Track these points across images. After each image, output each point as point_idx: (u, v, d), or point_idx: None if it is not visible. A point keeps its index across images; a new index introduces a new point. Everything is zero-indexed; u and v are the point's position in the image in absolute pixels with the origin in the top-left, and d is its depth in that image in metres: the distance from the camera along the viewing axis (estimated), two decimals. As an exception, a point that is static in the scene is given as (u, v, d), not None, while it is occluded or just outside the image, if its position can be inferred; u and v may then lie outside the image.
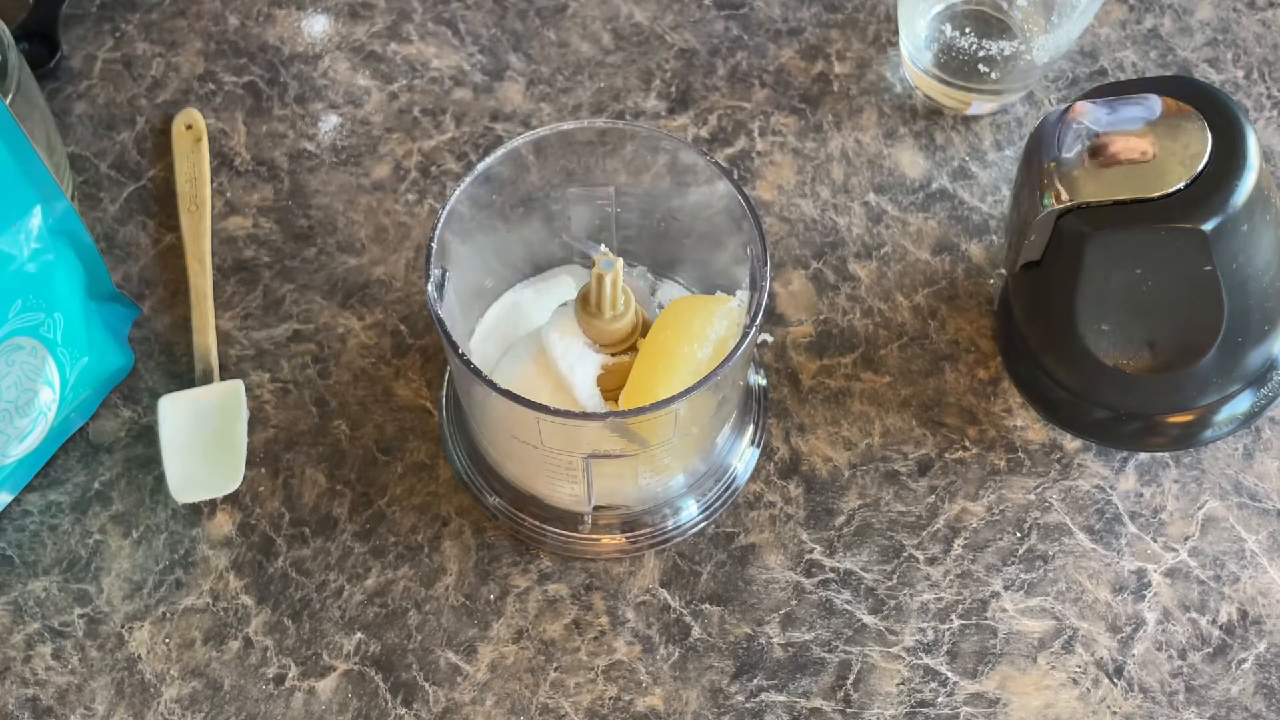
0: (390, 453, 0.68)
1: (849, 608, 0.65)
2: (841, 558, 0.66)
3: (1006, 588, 0.65)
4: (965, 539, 0.66)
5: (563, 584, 0.65)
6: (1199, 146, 0.59)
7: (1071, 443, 0.68)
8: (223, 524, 0.66)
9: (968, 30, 0.73)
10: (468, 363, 0.55)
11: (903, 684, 0.63)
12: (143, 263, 0.72)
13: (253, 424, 0.68)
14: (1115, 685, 0.63)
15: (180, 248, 0.72)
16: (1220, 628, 0.64)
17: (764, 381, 0.69)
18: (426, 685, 0.63)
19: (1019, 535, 0.66)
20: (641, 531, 0.65)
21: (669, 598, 0.65)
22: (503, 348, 0.66)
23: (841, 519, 0.66)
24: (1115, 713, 0.63)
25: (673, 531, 0.66)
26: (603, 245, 0.64)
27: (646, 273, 0.68)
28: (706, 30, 0.79)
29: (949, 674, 0.63)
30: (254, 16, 0.80)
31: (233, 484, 0.66)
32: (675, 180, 0.62)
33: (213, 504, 0.66)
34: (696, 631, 0.64)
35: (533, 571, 0.65)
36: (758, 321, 0.56)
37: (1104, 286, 0.60)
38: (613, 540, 0.65)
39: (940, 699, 0.63)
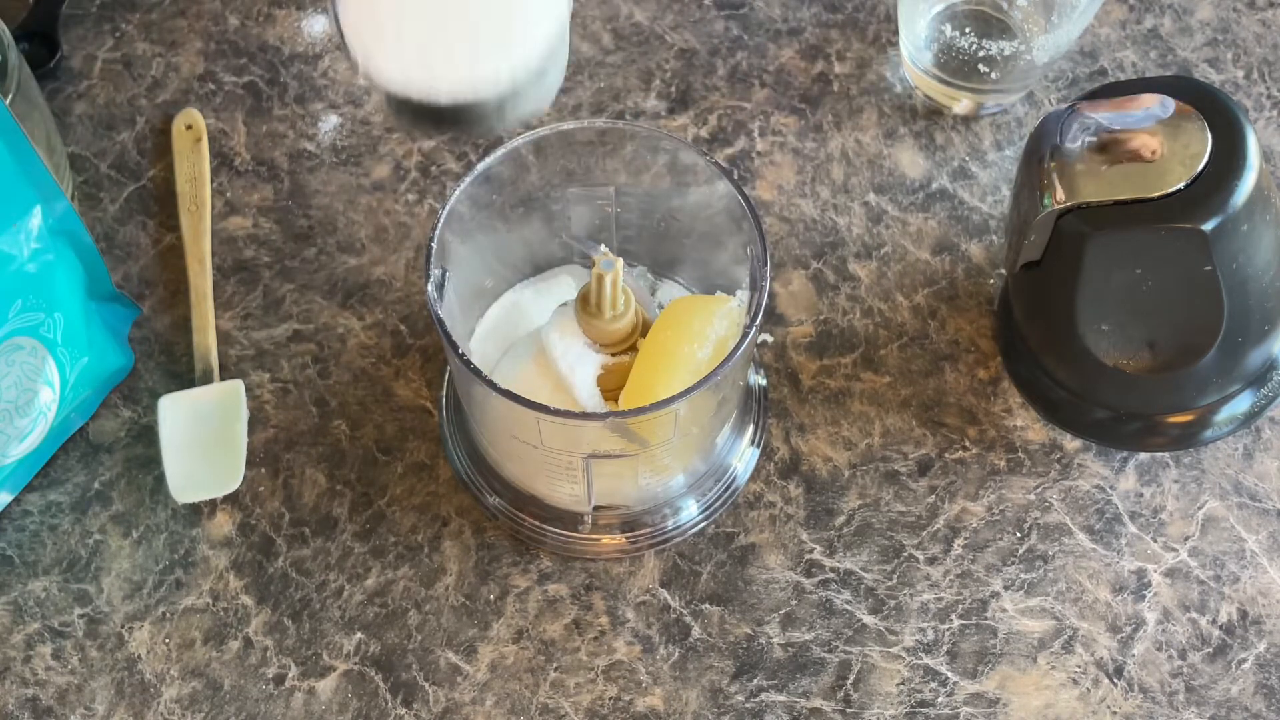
0: (390, 453, 0.68)
1: (849, 608, 0.65)
2: (841, 558, 0.66)
3: (1006, 588, 0.65)
4: (965, 539, 0.66)
5: (563, 584, 0.65)
6: (1199, 146, 0.59)
7: (1071, 443, 0.68)
8: (223, 524, 0.66)
9: (968, 30, 0.73)
10: (468, 363, 0.55)
11: (903, 684, 0.63)
12: (143, 263, 0.72)
13: (253, 424, 0.68)
14: (1115, 685, 0.63)
15: (180, 248, 0.72)
16: (1220, 628, 0.64)
17: (764, 381, 0.69)
18: (426, 685, 0.63)
19: (1019, 535, 0.66)
20: (641, 531, 0.65)
21: (669, 598, 0.65)
22: (503, 348, 0.66)
23: (841, 519, 0.66)
24: (1115, 713, 0.63)
25: (673, 531, 0.65)
26: (603, 245, 0.64)
27: (646, 273, 0.68)
28: (706, 30, 0.79)
29: (949, 674, 0.63)
30: (254, 16, 0.80)
31: (233, 484, 0.66)
32: (675, 180, 0.62)
33: (213, 504, 0.66)
34: (696, 631, 0.64)
35: (533, 571, 0.65)
36: (758, 321, 0.56)
37: (1104, 286, 0.60)
38: (613, 540, 0.65)
39: (940, 699, 0.63)
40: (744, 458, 0.67)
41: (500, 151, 0.59)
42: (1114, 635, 0.64)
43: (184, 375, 0.69)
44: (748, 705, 0.63)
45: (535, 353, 0.62)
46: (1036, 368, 0.66)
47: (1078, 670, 0.63)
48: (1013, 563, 0.66)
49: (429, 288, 0.57)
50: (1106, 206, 0.59)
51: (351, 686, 0.63)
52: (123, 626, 0.64)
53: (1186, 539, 0.66)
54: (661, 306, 0.65)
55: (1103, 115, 0.60)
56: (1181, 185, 0.58)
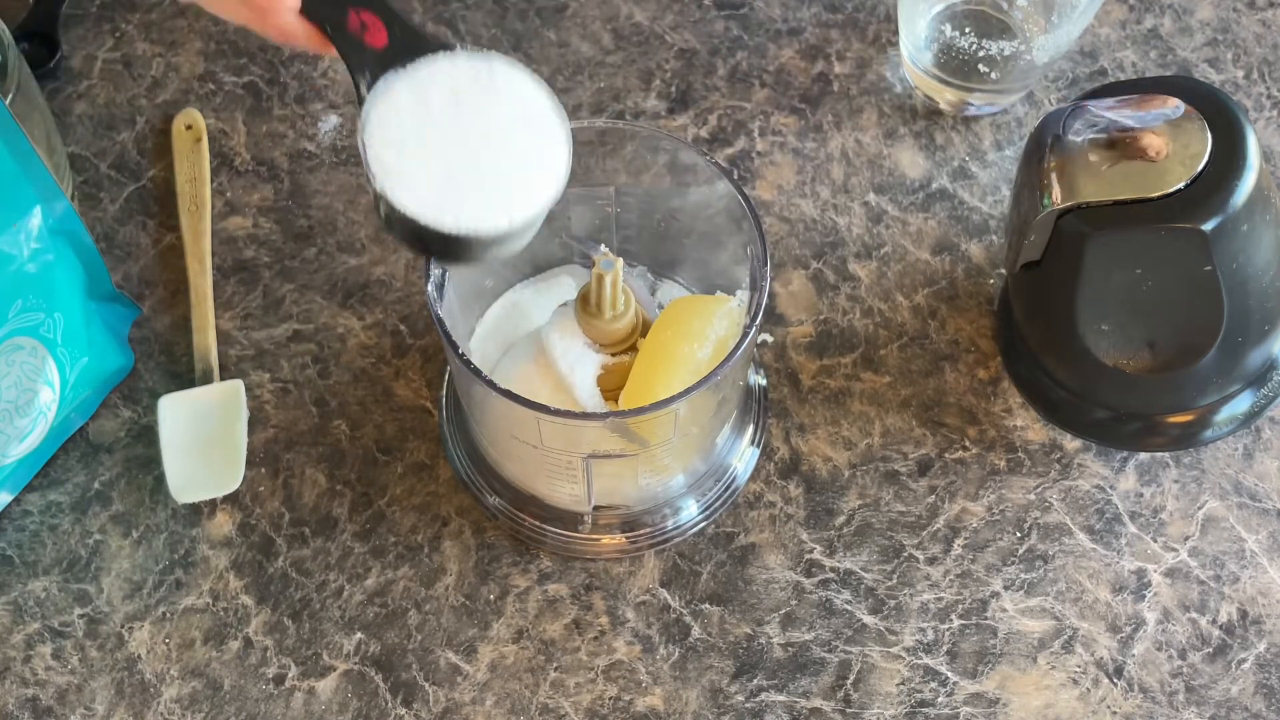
0: (390, 453, 0.68)
1: (849, 608, 0.64)
2: (841, 558, 0.66)
3: (1006, 588, 0.65)
4: (965, 539, 0.66)
5: (563, 584, 0.65)
6: (1199, 146, 0.59)
7: (1071, 443, 0.68)
8: (223, 524, 0.66)
9: (968, 30, 0.73)
10: (468, 363, 0.55)
11: (903, 684, 0.63)
12: (143, 263, 0.72)
13: (253, 424, 0.68)
14: (1115, 685, 0.63)
15: (180, 248, 0.72)
16: (1220, 628, 0.64)
17: (764, 381, 0.69)
18: (426, 685, 0.63)
19: (1019, 535, 0.66)
20: (641, 531, 0.65)
21: (669, 598, 0.65)
22: (503, 348, 0.66)
23: (841, 519, 0.66)
24: (1115, 713, 0.63)
25: (673, 531, 0.65)
26: (603, 245, 0.64)
27: (646, 273, 0.68)
28: (706, 30, 0.79)
29: (949, 674, 0.63)
30: (254, 16, 0.80)
31: (233, 484, 0.66)
32: (675, 180, 0.62)
33: (213, 504, 0.66)
34: (696, 631, 0.64)
35: (533, 571, 0.65)
36: (758, 321, 0.56)
37: (1104, 286, 0.60)
38: (613, 540, 0.65)
39: (940, 699, 0.63)
40: (744, 458, 0.67)
41: None
42: (1114, 635, 0.64)
43: (184, 375, 0.69)
44: (748, 705, 0.63)
45: (535, 353, 0.62)
46: (1036, 368, 0.66)
47: (1078, 670, 0.63)
48: (1013, 563, 0.66)
49: (429, 288, 0.57)
50: (1106, 206, 0.59)
51: (351, 686, 0.63)
52: (123, 626, 0.64)
53: (1186, 539, 0.66)
54: (661, 306, 0.65)
55: (1117, 112, 0.60)
56: (1181, 185, 0.58)
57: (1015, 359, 0.68)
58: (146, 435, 0.68)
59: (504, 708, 0.62)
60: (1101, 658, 0.64)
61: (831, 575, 0.65)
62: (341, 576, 0.65)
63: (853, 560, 0.65)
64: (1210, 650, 0.64)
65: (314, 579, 0.65)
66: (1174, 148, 0.59)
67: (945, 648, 0.64)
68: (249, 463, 0.67)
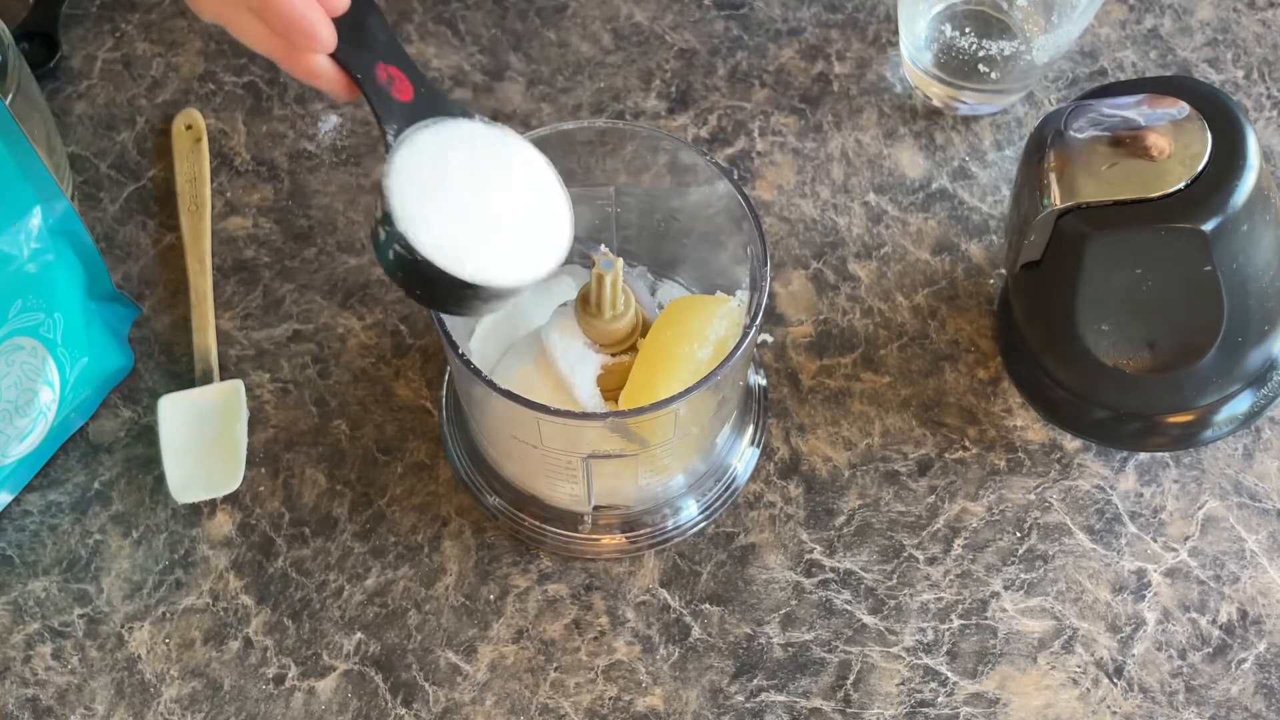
0: (390, 453, 0.68)
1: (849, 608, 0.64)
2: (841, 558, 0.66)
3: (1006, 588, 0.65)
4: (965, 539, 0.66)
5: (563, 584, 0.65)
6: (1199, 146, 0.59)
7: (1071, 443, 0.68)
8: (223, 524, 0.66)
9: (968, 30, 0.73)
10: (468, 363, 0.55)
11: (903, 684, 0.63)
12: (143, 263, 0.72)
13: (253, 424, 0.68)
14: (1115, 685, 0.63)
15: (180, 248, 0.72)
16: (1220, 628, 0.64)
17: (764, 381, 0.69)
18: (426, 685, 0.63)
19: (1019, 535, 0.66)
20: (641, 531, 0.65)
21: (669, 598, 0.65)
22: (503, 348, 0.66)
23: (841, 519, 0.66)
24: (1115, 713, 0.63)
25: (673, 531, 0.65)
26: (603, 245, 0.64)
27: (646, 273, 0.68)
28: (706, 30, 0.79)
29: (949, 674, 0.63)
30: (254, 16, 0.80)
31: (233, 484, 0.66)
32: (675, 180, 0.62)
33: (213, 504, 0.66)
34: (696, 631, 0.64)
35: (533, 571, 0.65)
36: (758, 321, 0.56)
37: (1104, 286, 0.60)
38: (613, 540, 0.65)
39: (940, 699, 0.63)
40: (744, 458, 0.67)
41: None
42: (1114, 635, 0.64)
43: (184, 375, 0.69)
44: (748, 705, 0.63)
45: (535, 353, 0.62)
46: (1036, 368, 0.66)
47: (1078, 670, 0.63)
48: (1013, 563, 0.66)
49: None
50: (1106, 206, 0.59)
51: (351, 686, 0.63)
52: (123, 626, 0.64)
53: (1186, 539, 0.66)
54: (661, 306, 0.65)
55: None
56: (1181, 185, 0.58)
57: (1015, 359, 0.68)
58: (146, 435, 0.68)
59: (504, 708, 0.62)
60: (1101, 658, 0.64)
61: (831, 575, 0.65)
62: (341, 576, 0.65)
63: (853, 560, 0.65)
64: (1210, 650, 0.64)
65: (314, 579, 0.65)
66: (1174, 148, 0.59)
67: (945, 648, 0.64)
68: (249, 463, 0.67)
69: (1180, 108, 0.60)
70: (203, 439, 0.66)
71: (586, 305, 0.61)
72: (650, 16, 0.80)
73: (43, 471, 0.67)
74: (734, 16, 0.80)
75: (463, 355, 0.55)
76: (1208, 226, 0.58)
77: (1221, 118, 0.60)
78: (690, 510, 0.66)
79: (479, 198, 0.53)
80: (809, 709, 0.62)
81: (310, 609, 0.64)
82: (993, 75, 0.73)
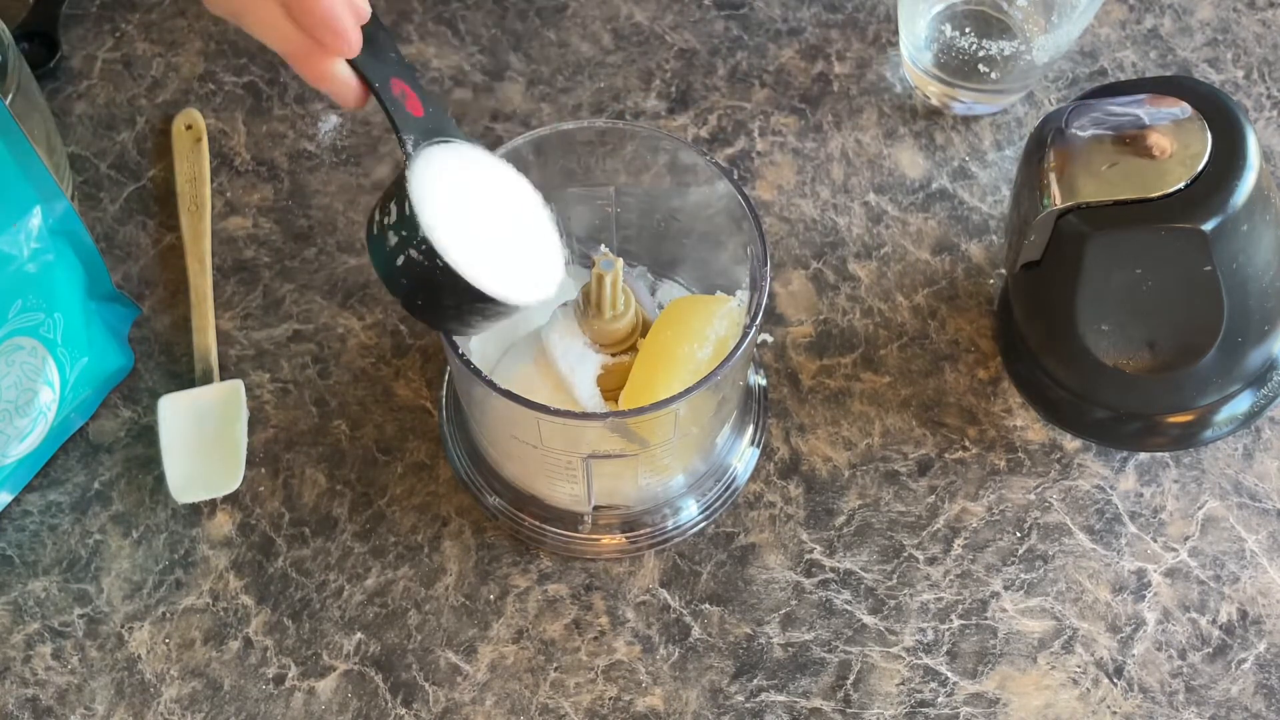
0: (390, 453, 0.68)
1: (849, 608, 0.64)
2: (841, 558, 0.66)
3: (1006, 588, 0.65)
4: (965, 539, 0.66)
5: (563, 584, 0.65)
6: (1199, 146, 0.59)
7: (1071, 443, 0.68)
8: (223, 524, 0.66)
9: (968, 30, 0.73)
10: (468, 363, 0.55)
11: (903, 684, 0.63)
12: (143, 263, 0.72)
13: (253, 424, 0.68)
14: (1115, 685, 0.63)
15: (180, 248, 0.72)
16: (1220, 628, 0.64)
17: (764, 381, 0.69)
18: (426, 685, 0.63)
19: (1019, 535, 0.66)
20: (641, 531, 0.65)
21: (669, 598, 0.65)
22: (503, 348, 0.66)
23: (841, 519, 0.66)
24: (1115, 713, 0.63)
25: (673, 531, 0.65)
26: (603, 245, 0.64)
27: (646, 273, 0.68)
28: (706, 30, 0.79)
29: (949, 674, 0.63)
30: (254, 16, 0.80)
31: (233, 484, 0.66)
32: (675, 180, 0.62)
33: (213, 504, 0.66)
34: (696, 631, 0.64)
35: (533, 571, 0.65)
36: (758, 321, 0.56)
37: (1104, 286, 0.60)
38: (613, 540, 0.65)
39: (940, 699, 0.63)
40: (744, 458, 0.67)
41: (500, 152, 0.59)
42: (1114, 635, 0.64)
43: (184, 375, 0.69)
44: (748, 705, 0.63)
45: (535, 353, 0.62)
46: (1036, 368, 0.66)
47: (1078, 670, 0.63)
48: (1013, 563, 0.66)
49: None
50: (1106, 206, 0.59)
51: (351, 686, 0.63)
52: (123, 626, 0.64)
53: (1186, 539, 0.66)
54: (661, 306, 0.65)
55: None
56: (1181, 185, 0.58)
57: (1015, 359, 0.68)
58: (146, 435, 0.68)
59: (504, 708, 0.62)
60: (1101, 658, 0.64)
61: (831, 575, 0.65)
62: (341, 576, 0.65)
63: (853, 560, 0.65)
64: (1210, 650, 0.64)
65: (314, 579, 0.65)
66: (1175, 147, 0.59)
67: (945, 648, 0.64)
68: (249, 463, 0.67)
69: (1182, 108, 0.60)
70: (203, 439, 0.66)
71: (586, 305, 0.61)
72: (650, 16, 0.80)
73: (43, 471, 0.67)
74: (734, 16, 0.80)
75: (463, 355, 0.55)
76: (1208, 226, 0.58)
77: (1221, 118, 0.60)
78: (690, 510, 0.66)
79: (491, 217, 0.54)
80: (809, 709, 0.62)
81: (310, 609, 0.64)
82: (993, 75, 0.73)
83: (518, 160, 0.60)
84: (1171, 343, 0.61)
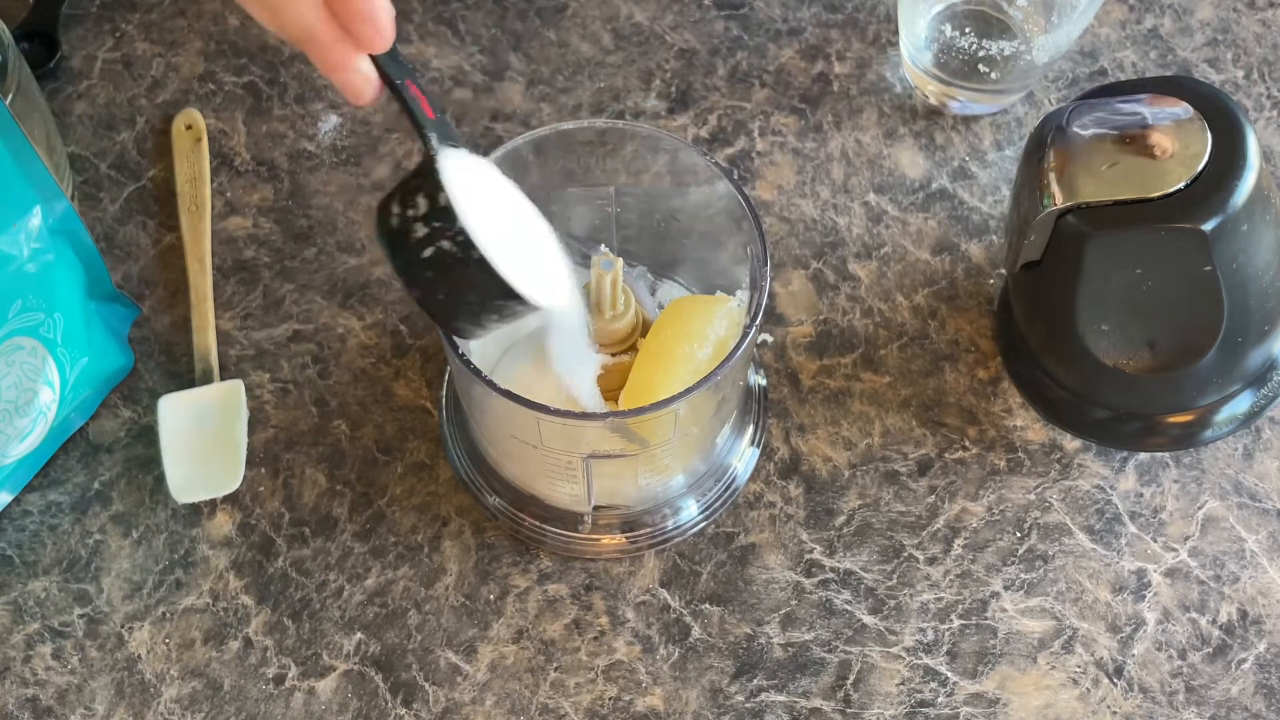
0: (390, 453, 0.68)
1: (849, 608, 0.64)
2: (841, 558, 0.66)
3: (1006, 588, 0.65)
4: (965, 539, 0.66)
5: (563, 584, 0.65)
6: (1199, 146, 0.59)
7: (1071, 443, 0.68)
8: (223, 524, 0.66)
9: (968, 30, 0.73)
10: (468, 363, 0.55)
11: (903, 684, 0.63)
12: (143, 263, 0.72)
13: (253, 424, 0.68)
14: (1115, 685, 0.63)
15: (180, 248, 0.72)
16: (1220, 628, 0.64)
17: (764, 381, 0.69)
18: (426, 685, 0.63)
19: (1019, 535, 0.66)
20: (641, 531, 0.65)
21: (669, 598, 0.65)
22: (503, 348, 0.66)
23: (841, 519, 0.66)
24: (1115, 713, 0.63)
25: (673, 531, 0.65)
26: (603, 245, 0.64)
27: (646, 273, 0.68)
28: (706, 30, 0.79)
29: (949, 674, 0.63)
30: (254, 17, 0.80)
31: (233, 484, 0.66)
32: (675, 180, 0.62)
33: (213, 504, 0.66)
34: (696, 631, 0.64)
35: (533, 571, 0.65)
36: (758, 321, 0.56)
37: (1104, 286, 0.60)
38: (613, 540, 0.65)
39: (940, 699, 0.63)
40: (744, 458, 0.67)
41: (500, 152, 0.59)
42: (1114, 635, 0.64)
43: (184, 375, 0.69)
44: (748, 705, 0.63)
45: (535, 353, 0.62)
46: (1036, 368, 0.66)
47: (1078, 670, 0.63)
48: (1013, 563, 0.66)
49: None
50: (1106, 206, 0.59)
51: (351, 686, 0.63)
52: (123, 626, 0.64)
53: (1186, 539, 0.66)
54: (661, 306, 0.65)
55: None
56: (1181, 185, 0.58)
57: (1015, 359, 0.68)
58: (146, 435, 0.68)
59: (504, 708, 0.62)
60: (1101, 658, 0.64)
61: (831, 575, 0.65)
62: (341, 576, 0.65)
63: (853, 560, 0.65)
64: (1210, 650, 0.64)
65: (314, 579, 0.65)
66: (1176, 147, 0.59)
67: (945, 648, 0.64)
68: (249, 463, 0.67)
69: (1184, 108, 0.60)
70: (203, 439, 0.66)
71: (586, 305, 0.61)
72: (650, 16, 0.80)
73: (43, 471, 0.67)
74: (734, 16, 0.80)
75: (463, 355, 0.55)
76: (1208, 226, 0.58)
77: (1221, 118, 0.60)
78: (690, 510, 0.66)
79: (505, 221, 0.54)
80: (809, 709, 0.62)
81: (310, 609, 0.64)
82: (993, 75, 0.73)
83: (518, 160, 0.60)
84: (1171, 343, 0.61)
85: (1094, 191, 0.59)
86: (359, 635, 0.64)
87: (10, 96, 0.67)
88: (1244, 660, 0.64)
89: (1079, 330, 0.62)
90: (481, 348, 0.66)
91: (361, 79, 0.51)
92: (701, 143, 0.76)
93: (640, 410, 0.57)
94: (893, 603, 0.65)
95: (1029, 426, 0.68)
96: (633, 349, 0.62)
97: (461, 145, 0.54)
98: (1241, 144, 0.59)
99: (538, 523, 0.65)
